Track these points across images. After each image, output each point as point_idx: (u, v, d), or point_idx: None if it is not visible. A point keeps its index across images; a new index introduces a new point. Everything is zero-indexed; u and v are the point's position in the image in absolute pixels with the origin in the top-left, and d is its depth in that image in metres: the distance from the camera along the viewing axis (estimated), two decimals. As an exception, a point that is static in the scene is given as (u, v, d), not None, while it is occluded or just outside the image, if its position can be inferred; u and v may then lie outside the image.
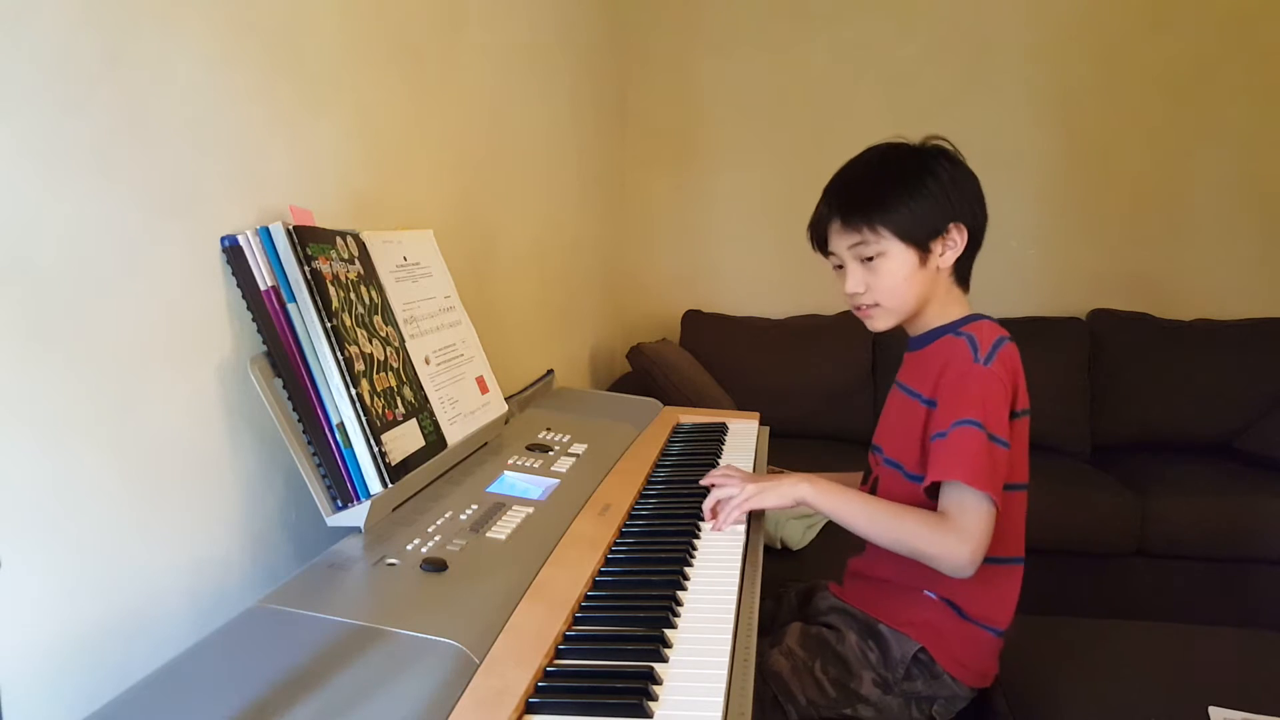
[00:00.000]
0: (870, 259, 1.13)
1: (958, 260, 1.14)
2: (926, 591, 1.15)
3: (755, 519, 1.14)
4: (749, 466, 1.35)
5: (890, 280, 1.13)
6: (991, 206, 1.16)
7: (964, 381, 1.07)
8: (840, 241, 1.15)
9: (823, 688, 1.15)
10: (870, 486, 1.24)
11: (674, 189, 3.12)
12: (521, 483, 1.14)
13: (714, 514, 1.11)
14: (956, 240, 1.12)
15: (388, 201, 1.28)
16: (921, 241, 1.11)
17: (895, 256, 1.12)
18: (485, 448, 1.26)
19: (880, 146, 1.17)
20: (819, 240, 1.20)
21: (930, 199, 1.10)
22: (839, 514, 1.10)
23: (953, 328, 1.15)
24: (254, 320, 0.92)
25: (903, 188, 1.11)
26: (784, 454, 1.47)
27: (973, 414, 1.05)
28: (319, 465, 0.93)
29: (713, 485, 1.19)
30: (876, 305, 1.16)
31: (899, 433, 1.19)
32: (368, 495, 0.94)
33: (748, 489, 1.10)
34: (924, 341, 1.18)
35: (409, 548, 0.91)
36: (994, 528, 1.03)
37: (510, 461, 1.20)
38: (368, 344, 0.99)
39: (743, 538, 1.08)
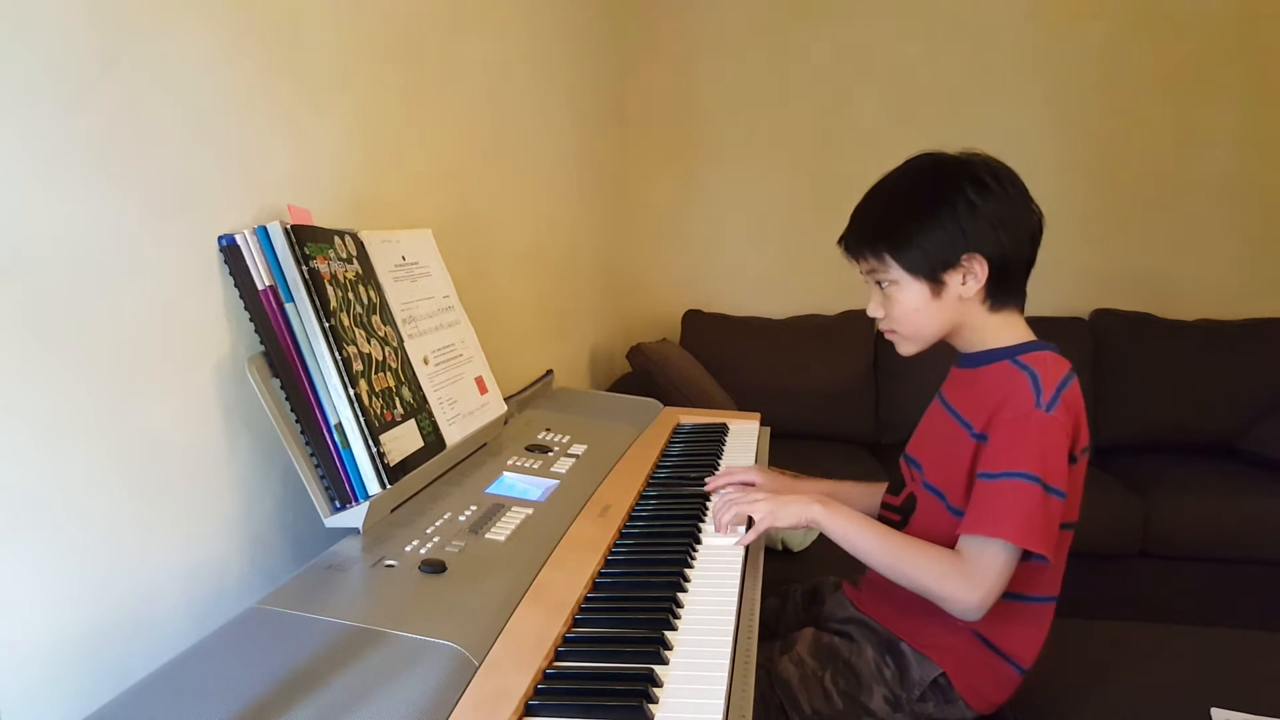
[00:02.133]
0: (885, 285, 1.11)
1: (997, 286, 1.07)
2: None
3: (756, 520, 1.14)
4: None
5: (901, 309, 1.10)
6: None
7: (1024, 427, 1.01)
8: (857, 265, 1.14)
9: (830, 698, 1.13)
10: (903, 500, 1.20)
11: (674, 189, 3.12)
12: (521, 484, 1.14)
13: (717, 515, 1.10)
14: (976, 271, 1.06)
15: (386, 201, 1.28)
16: (931, 274, 1.07)
17: (906, 287, 1.09)
18: (484, 448, 1.26)
19: (909, 165, 1.12)
20: None
21: (941, 232, 1.05)
22: (849, 540, 1.08)
23: (1011, 354, 1.08)
24: (251, 320, 0.92)
25: (913, 220, 1.07)
26: (785, 455, 1.47)
27: (1031, 467, 0.99)
28: (317, 466, 0.92)
29: (718, 490, 1.19)
30: (894, 332, 1.13)
31: (942, 458, 1.14)
32: (366, 496, 0.93)
33: (763, 507, 1.08)
34: (976, 361, 1.12)
35: (407, 549, 0.90)
36: (1036, 570, 1.01)
37: (509, 462, 1.20)
38: (366, 344, 0.99)
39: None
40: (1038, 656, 1.14)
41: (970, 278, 1.07)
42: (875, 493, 1.31)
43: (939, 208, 1.06)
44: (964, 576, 1.00)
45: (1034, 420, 1.01)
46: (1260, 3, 2.75)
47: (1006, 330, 1.11)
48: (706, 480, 1.25)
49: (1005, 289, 1.09)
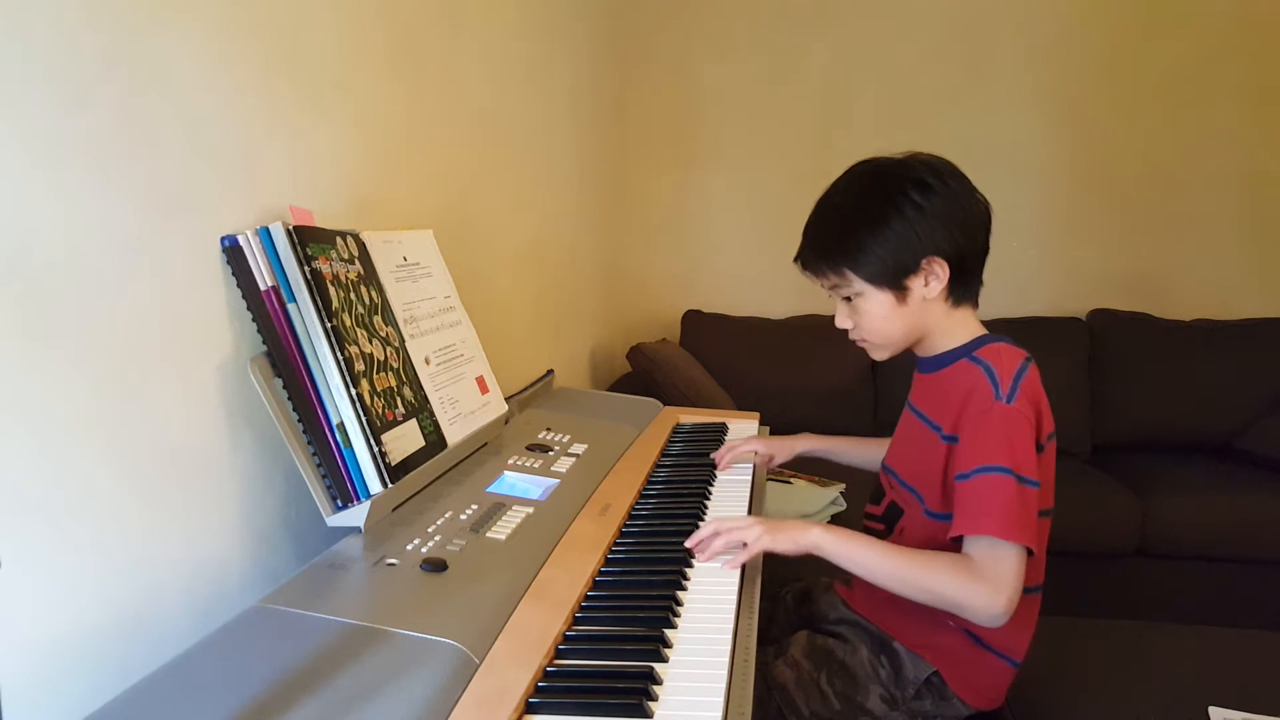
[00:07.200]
0: (849, 298, 1.12)
1: (957, 282, 1.09)
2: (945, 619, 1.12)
3: (755, 513, 1.14)
4: (750, 467, 1.35)
5: (869, 320, 1.11)
6: (992, 207, 1.13)
7: (987, 421, 1.02)
8: (818, 281, 1.14)
9: (827, 699, 1.14)
10: (884, 509, 1.21)
11: (674, 188, 3.12)
12: (521, 483, 1.14)
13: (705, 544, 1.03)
14: (938, 272, 1.07)
15: (388, 201, 1.28)
16: (893, 282, 1.08)
17: (870, 298, 1.09)
18: (485, 448, 1.26)
19: (850, 176, 1.13)
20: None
21: (896, 239, 1.05)
22: (858, 564, 1.02)
23: (967, 351, 1.09)
24: (254, 320, 0.92)
25: (866, 231, 1.07)
26: (784, 454, 1.47)
27: (1000, 459, 0.99)
28: (319, 465, 0.93)
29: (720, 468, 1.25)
30: (865, 341, 1.14)
31: (917, 462, 1.14)
32: (368, 495, 0.94)
33: (755, 530, 1.01)
34: (936, 365, 1.13)
35: (409, 548, 0.91)
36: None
37: (510, 461, 1.20)
38: (368, 344, 0.99)
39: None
40: (1029, 648, 1.14)
41: (932, 279, 1.08)
42: (870, 447, 1.34)
43: (888, 215, 1.06)
44: (984, 582, 0.96)
45: (996, 413, 1.02)
46: (1260, 3, 2.75)
47: (962, 328, 1.12)
48: (713, 455, 1.31)
49: (965, 284, 1.10)
